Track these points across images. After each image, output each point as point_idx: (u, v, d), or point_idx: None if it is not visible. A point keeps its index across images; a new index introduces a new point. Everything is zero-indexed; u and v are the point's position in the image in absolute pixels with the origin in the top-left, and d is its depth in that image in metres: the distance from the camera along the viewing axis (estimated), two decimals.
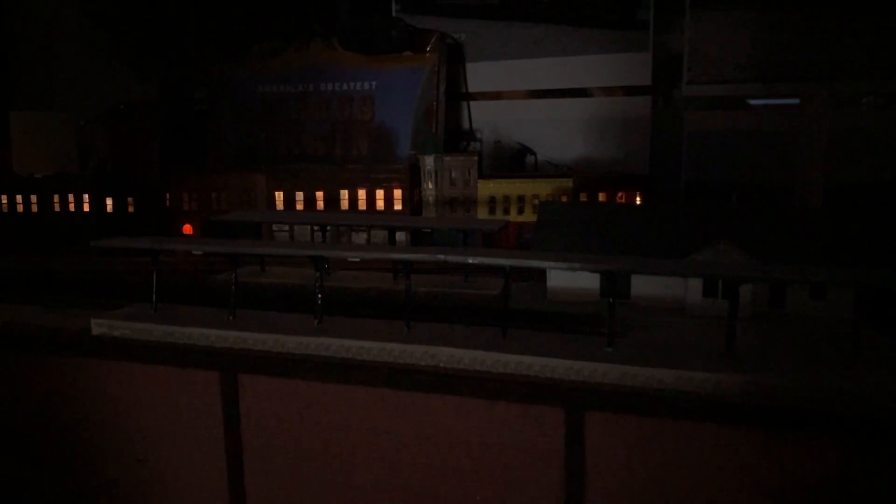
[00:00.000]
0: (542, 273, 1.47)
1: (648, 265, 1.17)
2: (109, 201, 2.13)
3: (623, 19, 2.25)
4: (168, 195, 2.11)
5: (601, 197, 1.97)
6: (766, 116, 2.14)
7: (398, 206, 2.04)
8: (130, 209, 2.13)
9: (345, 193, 2.05)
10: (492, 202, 1.96)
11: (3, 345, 1.40)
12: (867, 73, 1.99)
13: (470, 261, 1.17)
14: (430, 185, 2.00)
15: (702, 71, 2.12)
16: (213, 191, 2.10)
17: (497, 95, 2.43)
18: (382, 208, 2.04)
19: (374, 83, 2.37)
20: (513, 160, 2.40)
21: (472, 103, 2.44)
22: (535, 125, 2.39)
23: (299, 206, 2.08)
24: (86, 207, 2.13)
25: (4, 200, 2.18)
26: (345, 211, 2.05)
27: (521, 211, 1.94)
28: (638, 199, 2.00)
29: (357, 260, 1.61)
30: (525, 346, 1.13)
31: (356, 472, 1.20)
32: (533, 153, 2.37)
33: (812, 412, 0.94)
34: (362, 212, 2.05)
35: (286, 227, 2.06)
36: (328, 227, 1.71)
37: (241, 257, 1.36)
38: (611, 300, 1.10)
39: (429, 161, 2.00)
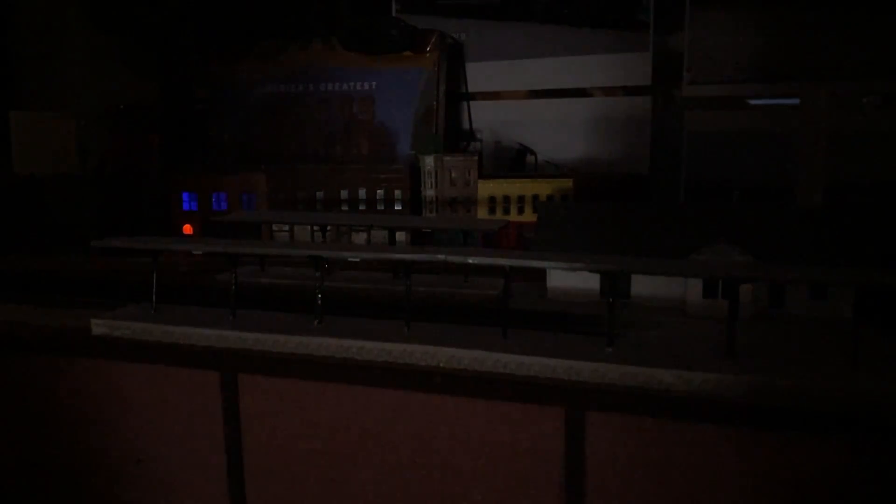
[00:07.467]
0: (542, 273, 1.47)
1: (648, 265, 1.17)
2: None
3: (623, 19, 2.25)
4: (168, 195, 2.11)
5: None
6: (766, 116, 2.14)
7: (398, 206, 2.04)
8: (130, 209, 2.13)
9: (345, 193, 2.05)
10: (492, 202, 1.96)
11: (3, 345, 1.40)
12: (867, 73, 1.99)
13: (470, 261, 1.17)
14: (430, 185, 2.00)
15: (702, 71, 2.12)
16: (213, 191, 2.10)
17: (497, 95, 2.43)
18: (382, 208, 2.04)
19: (374, 83, 2.37)
20: (513, 160, 2.40)
21: (472, 103, 2.44)
22: (535, 125, 2.39)
23: (299, 207, 2.08)
24: (86, 208, 2.13)
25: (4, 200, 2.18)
26: (345, 211, 2.05)
27: (521, 211, 1.94)
28: (638, 199, 2.00)
29: (357, 260, 1.61)
30: (525, 346, 1.12)
31: (356, 472, 1.20)
32: (533, 153, 2.37)
33: (812, 412, 0.94)
34: (362, 212, 2.05)
35: (286, 227, 2.06)
36: (328, 227, 1.71)
37: (241, 257, 1.36)
38: (611, 300, 1.10)
39: (429, 161, 2.00)
